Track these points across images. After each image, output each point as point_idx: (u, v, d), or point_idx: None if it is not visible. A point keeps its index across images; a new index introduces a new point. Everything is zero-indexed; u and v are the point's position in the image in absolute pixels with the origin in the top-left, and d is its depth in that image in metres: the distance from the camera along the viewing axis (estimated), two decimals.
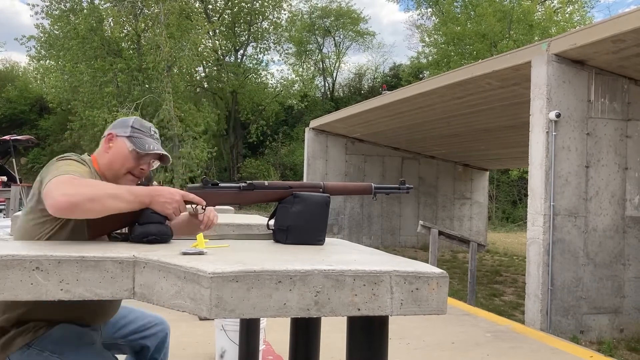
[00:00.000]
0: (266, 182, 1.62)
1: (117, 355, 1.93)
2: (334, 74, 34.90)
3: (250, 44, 30.94)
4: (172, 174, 20.75)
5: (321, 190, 1.61)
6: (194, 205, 1.58)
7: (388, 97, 11.10)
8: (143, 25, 22.31)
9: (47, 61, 25.96)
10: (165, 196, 1.47)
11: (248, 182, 1.62)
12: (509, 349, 4.28)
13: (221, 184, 1.60)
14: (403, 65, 33.74)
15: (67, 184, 1.39)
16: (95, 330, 1.71)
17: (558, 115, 6.30)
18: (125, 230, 1.57)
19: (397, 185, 1.71)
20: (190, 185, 1.63)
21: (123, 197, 1.41)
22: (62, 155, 1.63)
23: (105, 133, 1.75)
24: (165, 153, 1.77)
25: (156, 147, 1.73)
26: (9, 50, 63.27)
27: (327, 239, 1.58)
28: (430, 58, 29.51)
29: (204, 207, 1.59)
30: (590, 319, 6.51)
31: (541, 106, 6.44)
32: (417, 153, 15.84)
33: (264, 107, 29.28)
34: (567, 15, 27.47)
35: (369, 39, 35.06)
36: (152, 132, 1.77)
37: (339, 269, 1.08)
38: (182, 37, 22.09)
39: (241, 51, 31.12)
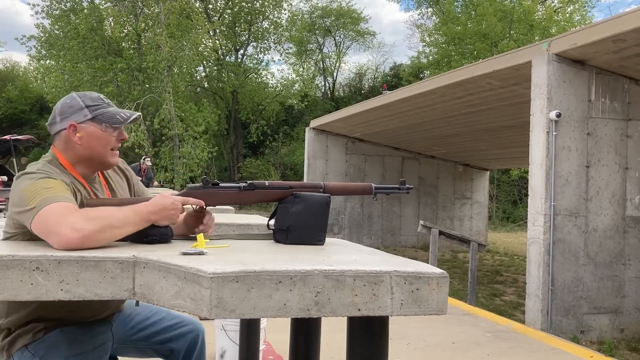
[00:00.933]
0: (267, 182, 1.61)
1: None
2: (335, 74, 34.96)
3: (251, 44, 31.01)
4: (172, 173, 20.76)
5: (321, 190, 1.60)
6: (194, 206, 1.58)
7: (388, 97, 11.10)
8: (143, 25, 22.32)
9: (48, 61, 25.99)
10: (170, 209, 1.45)
11: (248, 182, 1.61)
12: (509, 349, 4.28)
13: (221, 184, 1.59)
14: (403, 65, 33.77)
15: (69, 214, 1.32)
16: (104, 330, 1.66)
17: (558, 115, 6.30)
18: None
19: (397, 186, 1.70)
20: (190, 185, 1.63)
21: (130, 221, 1.37)
22: (30, 172, 1.47)
23: (63, 126, 1.56)
24: (138, 114, 1.66)
25: (127, 113, 1.62)
26: (10, 50, 63.59)
27: (327, 239, 1.57)
28: (430, 58, 29.52)
29: (204, 207, 1.59)
30: (591, 318, 6.51)
31: (541, 106, 6.43)
32: (418, 153, 15.83)
33: (264, 107, 29.30)
34: (567, 15, 27.48)
35: (370, 38, 35.12)
36: (107, 101, 1.63)
37: (339, 269, 1.07)
38: (182, 37, 22.11)
39: (241, 51, 31.18)
